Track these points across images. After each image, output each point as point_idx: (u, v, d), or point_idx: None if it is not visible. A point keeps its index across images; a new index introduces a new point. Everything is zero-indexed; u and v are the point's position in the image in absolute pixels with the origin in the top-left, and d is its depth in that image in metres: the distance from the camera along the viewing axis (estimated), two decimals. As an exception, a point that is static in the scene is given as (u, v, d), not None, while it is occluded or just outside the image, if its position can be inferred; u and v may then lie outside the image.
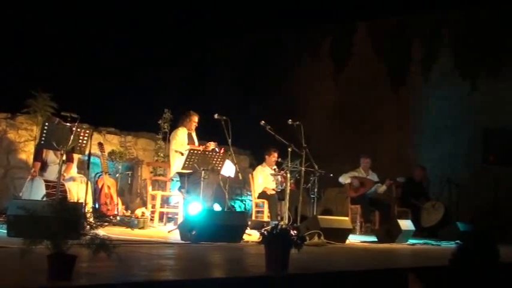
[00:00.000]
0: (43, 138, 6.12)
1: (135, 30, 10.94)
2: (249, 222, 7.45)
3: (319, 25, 12.25)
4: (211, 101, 10.74)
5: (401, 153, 11.18)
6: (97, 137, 8.60)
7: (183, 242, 5.65)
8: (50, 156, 6.96)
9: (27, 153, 8.25)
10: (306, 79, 12.50)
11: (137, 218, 7.60)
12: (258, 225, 7.79)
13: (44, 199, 6.46)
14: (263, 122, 7.59)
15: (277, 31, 12.51)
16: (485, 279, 2.80)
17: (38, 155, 7.00)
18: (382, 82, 11.80)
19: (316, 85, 12.45)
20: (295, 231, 4.09)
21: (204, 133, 8.26)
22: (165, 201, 8.65)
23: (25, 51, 9.40)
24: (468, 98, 10.85)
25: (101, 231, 3.09)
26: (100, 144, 8.09)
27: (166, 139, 9.28)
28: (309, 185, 7.99)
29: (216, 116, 7.34)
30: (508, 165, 9.47)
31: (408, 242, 7.49)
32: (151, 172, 9.12)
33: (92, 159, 6.65)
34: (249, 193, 10.54)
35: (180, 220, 7.56)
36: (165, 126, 9.48)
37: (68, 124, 6.25)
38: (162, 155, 9.54)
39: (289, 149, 7.50)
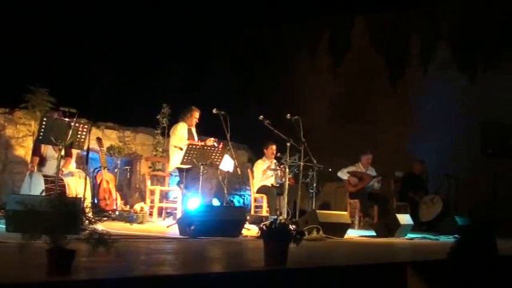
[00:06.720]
0: (41, 134, 6.12)
1: (134, 25, 10.91)
2: (248, 217, 7.45)
3: (317, 19, 12.24)
4: (209, 95, 10.72)
5: (400, 146, 11.18)
6: (95, 132, 8.60)
7: (181, 236, 5.66)
8: (49, 151, 6.97)
9: (25, 148, 8.24)
10: (305, 73, 12.51)
11: (136, 212, 7.61)
12: (257, 220, 7.80)
13: (43, 194, 6.46)
14: (261, 116, 7.58)
15: (276, 25, 12.49)
16: (483, 272, 2.81)
17: (36, 150, 7.00)
18: (380, 75, 11.81)
19: (315, 79, 12.46)
20: (294, 226, 4.10)
21: (203, 128, 8.26)
22: (164, 196, 8.65)
23: (23, 46, 9.37)
24: (466, 91, 10.86)
25: (100, 226, 3.09)
26: (98, 139, 8.09)
27: (165, 134, 9.28)
28: (308, 179, 8.00)
29: (214, 110, 7.34)
30: (506, 158, 9.48)
31: (407, 236, 7.50)
32: (150, 167, 9.12)
33: (91, 154, 6.64)
34: (247, 188, 10.54)
35: (179, 215, 7.57)
36: (164, 121, 9.49)
37: (66, 119, 6.25)
38: (160, 149, 9.55)
39: (288, 144, 7.50)
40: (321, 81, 12.42)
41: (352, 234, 7.36)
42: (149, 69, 11.14)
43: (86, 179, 6.57)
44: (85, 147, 6.33)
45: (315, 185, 7.96)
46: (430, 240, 7.48)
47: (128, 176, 9.53)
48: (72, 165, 7.22)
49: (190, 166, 7.46)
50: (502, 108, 10.17)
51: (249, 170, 9.48)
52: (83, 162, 7.09)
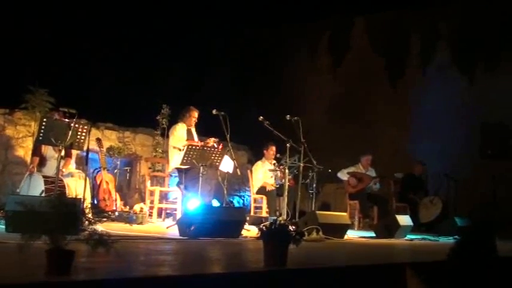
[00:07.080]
0: (41, 134, 6.11)
1: (134, 25, 10.91)
2: (248, 218, 7.45)
3: (317, 20, 12.25)
4: (209, 95, 10.72)
5: (399, 147, 11.19)
6: (95, 133, 8.60)
7: (181, 237, 5.65)
8: (49, 151, 6.96)
9: (25, 148, 8.24)
10: (305, 73, 12.51)
11: (136, 213, 7.61)
12: (257, 221, 7.79)
13: (43, 195, 6.46)
14: (261, 117, 7.57)
15: (276, 26, 12.50)
16: (483, 273, 2.81)
17: (36, 151, 7.00)
18: (380, 75, 11.81)
19: (315, 79, 12.46)
20: (294, 227, 4.10)
21: (203, 128, 8.25)
22: (164, 196, 8.65)
23: (23, 46, 9.37)
24: (466, 92, 10.85)
25: (100, 227, 3.09)
26: (98, 140, 8.09)
27: (165, 135, 9.27)
28: (308, 180, 7.99)
29: (214, 111, 7.32)
30: (505, 160, 9.48)
31: (406, 237, 7.51)
32: (149, 168, 9.12)
33: (90, 154, 6.64)
34: (247, 189, 10.54)
35: (178, 216, 7.56)
36: (164, 122, 9.49)
37: (66, 120, 6.25)
38: (160, 150, 9.54)
39: (288, 145, 7.49)
40: (321, 81, 12.43)
41: (352, 235, 7.35)
42: (149, 69, 11.14)
43: (85, 179, 6.56)
44: (85, 148, 6.33)
45: (314, 185, 7.96)
46: (429, 241, 7.48)
47: (128, 177, 9.52)
48: (71, 166, 7.22)
49: (189, 167, 7.45)
50: (502, 108, 10.17)
51: (248, 170, 9.48)
52: (83, 162, 7.09)
